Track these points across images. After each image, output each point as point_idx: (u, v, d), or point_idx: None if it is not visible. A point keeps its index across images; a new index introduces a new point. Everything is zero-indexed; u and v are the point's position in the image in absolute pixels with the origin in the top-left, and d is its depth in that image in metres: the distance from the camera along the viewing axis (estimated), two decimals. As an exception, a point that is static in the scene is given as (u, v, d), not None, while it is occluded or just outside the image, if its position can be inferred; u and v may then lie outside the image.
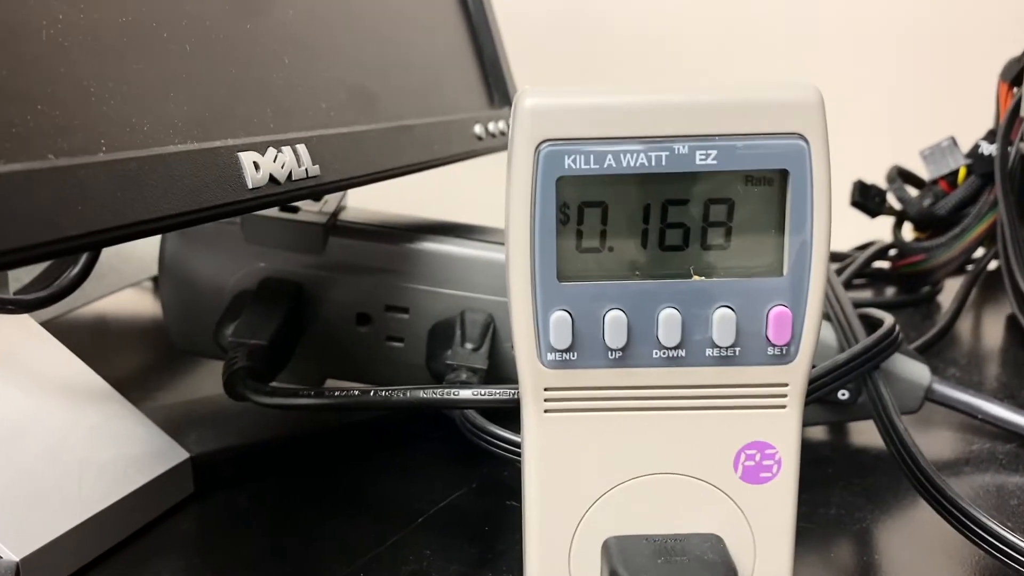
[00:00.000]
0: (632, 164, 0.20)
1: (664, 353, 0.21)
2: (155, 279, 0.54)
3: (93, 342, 0.47)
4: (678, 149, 0.20)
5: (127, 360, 0.47)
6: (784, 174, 0.20)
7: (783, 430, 0.22)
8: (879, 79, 0.81)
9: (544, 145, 0.20)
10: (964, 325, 0.55)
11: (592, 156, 0.20)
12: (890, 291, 0.61)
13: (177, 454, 0.32)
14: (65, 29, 0.20)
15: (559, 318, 0.21)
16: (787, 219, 0.20)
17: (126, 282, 0.55)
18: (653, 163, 0.20)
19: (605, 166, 0.20)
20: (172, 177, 0.21)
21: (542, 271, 0.21)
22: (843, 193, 0.61)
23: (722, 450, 0.22)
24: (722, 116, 0.20)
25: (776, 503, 0.22)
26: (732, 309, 0.21)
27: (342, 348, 0.37)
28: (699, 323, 0.21)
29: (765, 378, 0.21)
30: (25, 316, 0.34)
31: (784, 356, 0.21)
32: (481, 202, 0.50)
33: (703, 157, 0.20)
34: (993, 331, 0.54)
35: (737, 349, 0.21)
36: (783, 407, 0.22)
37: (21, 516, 0.27)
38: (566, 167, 0.20)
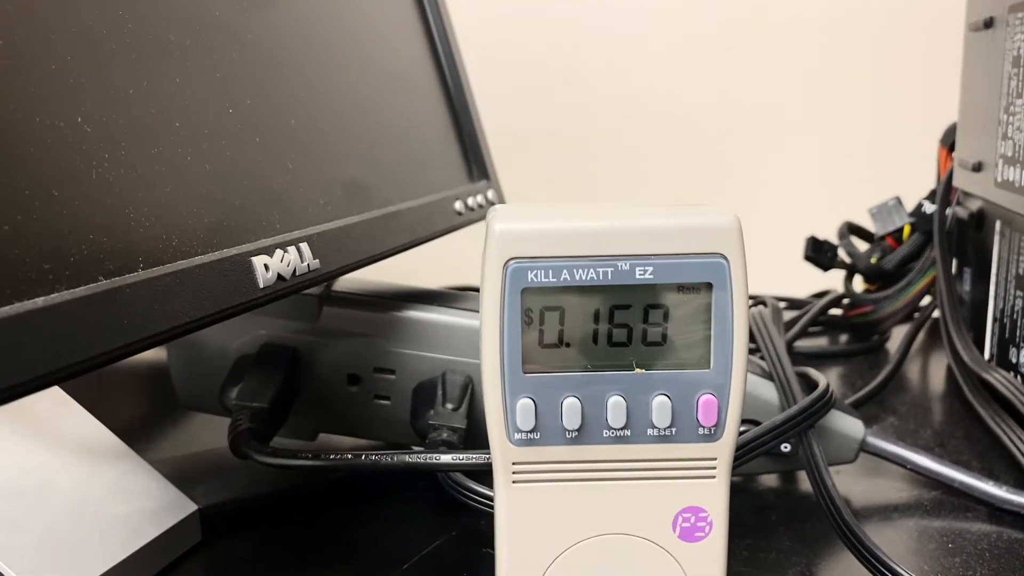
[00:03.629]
0: (584, 278, 0.24)
1: (612, 433, 0.25)
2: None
3: (96, 390, 0.51)
4: (621, 266, 0.24)
5: (130, 409, 0.50)
6: (709, 285, 0.24)
7: (713, 496, 0.26)
8: (836, 135, 0.86)
9: (511, 262, 0.24)
10: (911, 371, 0.59)
11: (551, 271, 0.24)
12: (843, 338, 0.65)
13: (186, 506, 0.36)
14: (110, 166, 0.24)
15: (524, 404, 0.25)
16: (712, 322, 0.25)
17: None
18: (601, 277, 0.24)
19: (561, 279, 0.24)
20: (197, 286, 0.25)
21: (510, 364, 0.25)
22: (799, 247, 0.65)
23: (662, 514, 0.26)
24: (657, 239, 0.24)
25: (709, 558, 0.26)
26: (668, 396, 0.25)
27: (334, 406, 0.40)
28: (641, 408, 0.25)
29: (697, 454, 0.25)
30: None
31: (712, 435, 0.25)
32: (457, 258, 0.54)
33: (642, 272, 0.24)
34: (935, 378, 0.58)
35: (673, 429, 0.25)
36: (713, 477, 0.26)
37: (51, 568, 0.30)
38: (529, 280, 0.24)
